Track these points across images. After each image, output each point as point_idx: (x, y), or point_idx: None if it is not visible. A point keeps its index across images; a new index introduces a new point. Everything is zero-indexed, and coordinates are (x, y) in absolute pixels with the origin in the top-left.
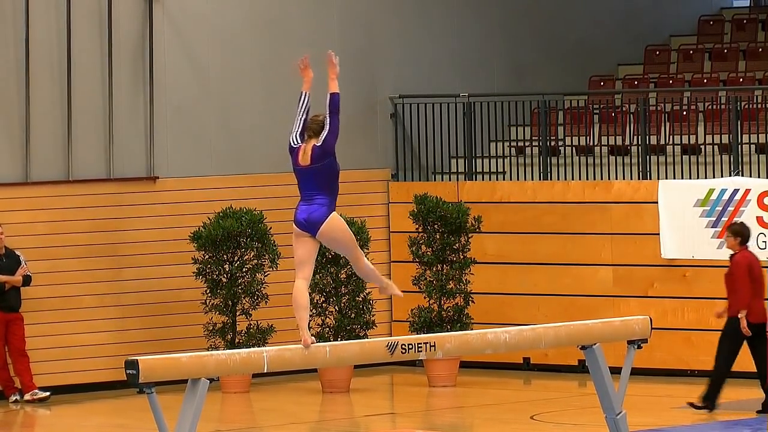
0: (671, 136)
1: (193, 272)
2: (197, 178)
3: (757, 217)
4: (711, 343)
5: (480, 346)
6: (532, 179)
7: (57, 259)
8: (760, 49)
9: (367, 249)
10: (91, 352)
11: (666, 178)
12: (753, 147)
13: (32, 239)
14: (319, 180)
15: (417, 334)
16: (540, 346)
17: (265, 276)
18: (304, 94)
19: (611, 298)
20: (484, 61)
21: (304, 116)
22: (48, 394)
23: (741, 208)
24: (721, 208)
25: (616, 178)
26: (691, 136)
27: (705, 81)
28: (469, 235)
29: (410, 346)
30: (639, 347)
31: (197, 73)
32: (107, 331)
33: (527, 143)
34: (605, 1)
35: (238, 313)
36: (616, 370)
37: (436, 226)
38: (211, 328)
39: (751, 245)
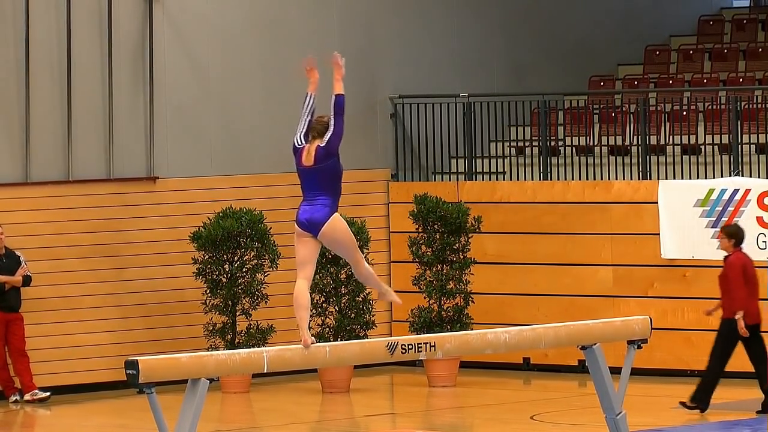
0: (671, 136)
1: (193, 272)
2: (197, 178)
3: (757, 217)
4: (711, 343)
5: (480, 346)
6: (532, 179)
7: (57, 259)
8: (760, 49)
9: (367, 249)
10: (91, 352)
11: (666, 178)
12: (753, 147)
13: (32, 239)
14: (322, 180)
15: (417, 334)
16: (540, 346)
17: (265, 276)
18: (309, 95)
19: (611, 298)
20: (484, 61)
21: (309, 117)
22: (48, 394)
23: (741, 208)
24: (721, 208)
25: (616, 178)
26: (691, 136)
27: (705, 81)
28: (469, 235)
29: (410, 346)
30: (639, 347)
31: (197, 73)
32: (107, 331)
33: (527, 143)
34: (605, 1)
35: (238, 313)
36: (616, 370)
37: (436, 226)
38: (211, 328)
39: (746, 246)
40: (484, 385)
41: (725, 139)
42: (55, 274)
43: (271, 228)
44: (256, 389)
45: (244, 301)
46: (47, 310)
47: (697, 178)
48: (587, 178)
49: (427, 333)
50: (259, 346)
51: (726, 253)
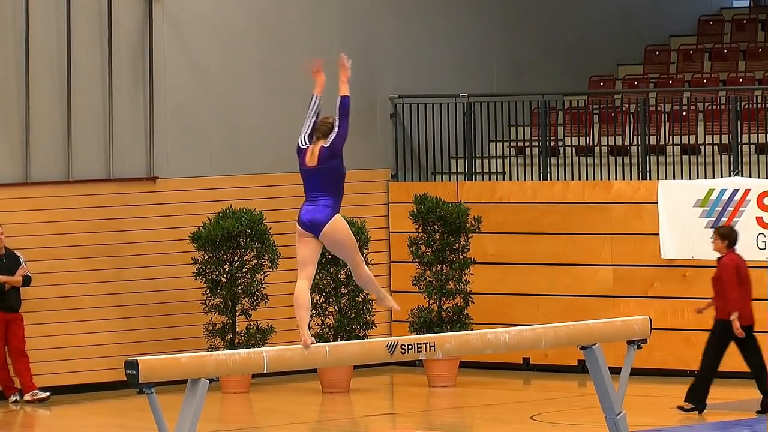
0: (671, 136)
1: (193, 272)
2: (197, 178)
3: (756, 217)
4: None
5: (480, 346)
6: (532, 179)
7: (57, 259)
8: (760, 49)
9: (367, 249)
10: (91, 352)
11: (666, 179)
12: (753, 147)
13: (32, 239)
14: (324, 181)
15: (417, 334)
16: (540, 346)
17: (265, 276)
18: (315, 97)
19: (611, 298)
20: (484, 61)
21: (314, 119)
22: (48, 394)
23: (741, 209)
24: (720, 209)
25: (616, 179)
26: (690, 136)
27: (705, 81)
28: (469, 235)
29: (410, 347)
30: (639, 347)
31: (197, 73)
32: (107, 331)
33: (527, 143)
34: (605, 1)
35: (237, 314)
36: (615, 370)
37: (435, 226)
38: (211, 328)
39: (746, 247)
40: (484, 385)
41: (725, 139)
42: (55, 274)
43: (271, 228)
44: (256, 389)
45: (243, 301)
46: (47, 310)
47: (697, 178)
48: (587, 178)
49: (426, 333)
50: (258, 346)
51: (719, 255)
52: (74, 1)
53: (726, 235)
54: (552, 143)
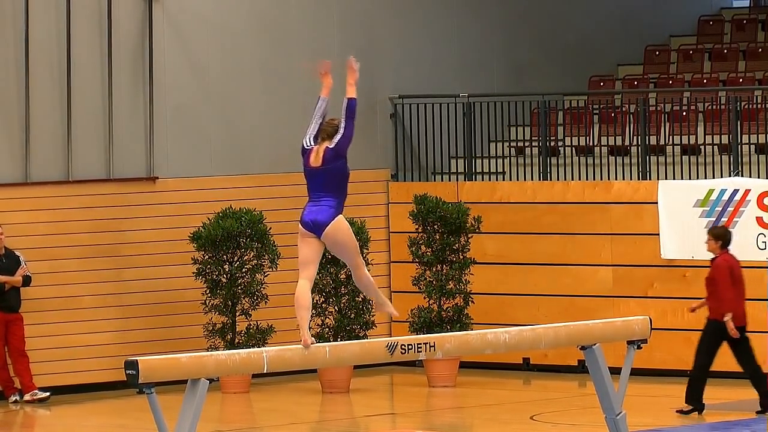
0: (671, 137)
1: (193, 272)
2: (197, 178)
3: (756, 217)
4: None
5: (480, 346)
6: (532, 179)
7: (57, 259)
8: (760, 49)
9: (367, 249)
10: (91, 352)
11: (666, 179)
12: (753, 147)
13: (32, 239)
14: (328, 182)
15: (417, 334)
16: (540, 346)
17: (265, 276)
18: (321, 99)
19: (611, 298)
20: (484, 61)
21: (320, 120)
22: (48, 394)
23: (741, 209)
24: (720, 209)
25: (616, 179)
26: (690, 136)
27: (705, 81)
28: (469, 235)
29: (410, 347)
30: (639, 347)
31: (197, 73)
32: (108, 331)
33: (527, 143)
34: (605, 1)
35: (237, 314)
36: (615, 370)
37: (435, 226)
38: (210, 328)
39: (746, 247)
40: (484, 386)
41: (725, 139)
42: (55, 274)
43: (271, 228)
44: (256, 389)
45: (243, 302)
46: (47, 310)
47: (697, 178)
48: (587, 179)
49: (426, 333)
50: (258, 346)
51: (713, 255)
52: (74, 1)
53: (719, 236)
54: (552, 143)
